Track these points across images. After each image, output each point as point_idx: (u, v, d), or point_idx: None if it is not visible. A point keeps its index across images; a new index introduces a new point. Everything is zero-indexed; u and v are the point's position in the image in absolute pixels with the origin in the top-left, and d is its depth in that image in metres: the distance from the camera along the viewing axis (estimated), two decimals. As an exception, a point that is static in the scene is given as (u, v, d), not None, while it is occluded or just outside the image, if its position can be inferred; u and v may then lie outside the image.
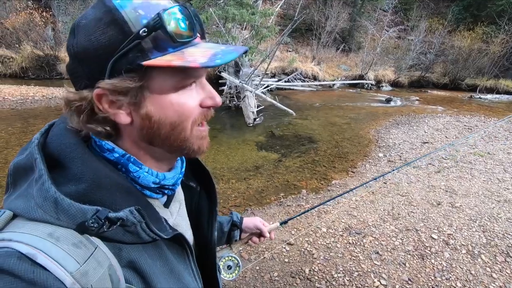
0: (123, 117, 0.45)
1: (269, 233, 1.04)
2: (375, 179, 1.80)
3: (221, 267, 0.92)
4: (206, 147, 0.53)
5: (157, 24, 0.40)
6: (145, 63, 0.41)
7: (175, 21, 0.42)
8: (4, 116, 6.04)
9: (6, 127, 5.38)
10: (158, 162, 0.52)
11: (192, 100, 0.47)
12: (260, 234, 1.02)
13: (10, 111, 6.47)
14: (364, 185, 1.96)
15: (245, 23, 9.15)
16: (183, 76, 0.45)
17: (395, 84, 14.89)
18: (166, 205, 0.57)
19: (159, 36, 0.41)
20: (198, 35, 0.47)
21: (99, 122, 0.45)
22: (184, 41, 0.44)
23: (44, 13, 10.86)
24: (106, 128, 0.45)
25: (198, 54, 0.43)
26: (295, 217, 1.30)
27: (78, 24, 0.42)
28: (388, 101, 10.67)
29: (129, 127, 0.47)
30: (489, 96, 12.56)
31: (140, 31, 0.40)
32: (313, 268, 2.40)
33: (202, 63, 0.41)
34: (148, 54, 0.41)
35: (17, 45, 10.17)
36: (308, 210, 1.41)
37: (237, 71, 9.19)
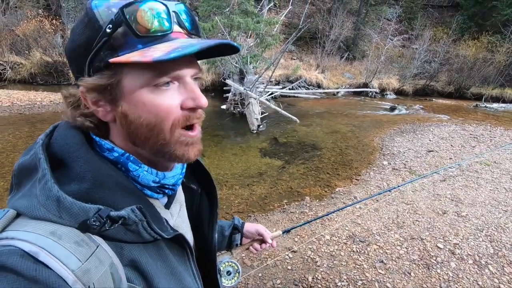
0: (103, 114, 0.46)
1: (271, 240, 1.02)
2: (389, 190, 1.77)
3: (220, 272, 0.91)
4: (195, 155, 0.50)
5: (119, 19, 0.40)
6: (112, 60, 0.41)
7: (144, 16, 0.42)
8: (12, 121, 6.13)
9: (13, 131, 5.46)
10: (152, 161, 0.52)
11: (170, 100, 0.45)
12: (262, 241, 1.00)
13: (18, 115, 6.57)
14: (374, 196, 1.93)
15: (250, 31, 9.27)
16: (154, 74, 0.43)
17: (399, 93, 14.87)
18: (167, 206, 0.57)
19: (126, 32, 0.41)
20: (178, 30, 0.46)
21: (87, 116, 0.47)
22: (153, 36, 0.43)
23: (53, 20, 11.13)
24: (93, 122, 0.47)
25: (161, 49, 0.41)
26: (298, 226, 1.29)
27: (72, 28, 0.46)
28: (392, 109, 10.63)
29: (113, 125, 0.48)
30: (495, 105, 12.44)
31: (106, 28, 0.41)
32: (316, 276, 2.37)
33: (155, 58, 0.39)
34: (118, 51, 0.42)
35: (27, 52, 10.39)
36: (312, 220, 1.39)
37: (241, 78, 9.27)
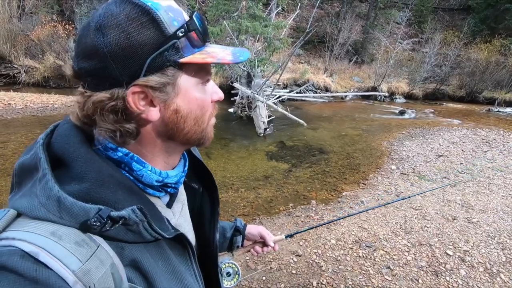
0: (154, 114, 0.46)
1: (274, 244, 1.00)
2: (403, 199, 1.73)
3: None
4: (213, 135, 0.58)
5: (192, 26, 0.45)
6: (182, 60, 0.45)
7: (201, 25, 0.47)
8: (26, 123, 6.30)
9: (26, 133, 5.60)
10: (168, 157, 0.54)
11: (208, 95, 0.52)
12: (263, 244, 0.99)
13: (31, 118, 6.75)
14: (384, 204, 1.88)
15: (258, 35, 9.32)
16: (204, 73, 0.50)
17: (409, 96, 14.66)
18: (169, 205, 0.57)
19: (191, 36, 0.45)
20: None
21: (128, 121, 0.45)
22: (204, 42, 0.49)
23: (67, 25, 11.44)
24: (135, 126, 0.46)
25: (221, 52, 0.49)
26: (302, 231, 1.26)
27: (105, 23, 0.41)
28: (401, 113, 10.49)
29: (154, 123, 0.48)
30: (508, 110, 12.12)
31: (178, 32, 0.44)
32: (321, 281, 2.34)
33: (231, 60, 0.48)
34: (182, 53, 0.45)
35: (40, 56, 10.68)
36: (316, 226, 1.37)
37: (249, 81, 9.31)
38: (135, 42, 0.41)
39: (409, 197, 1.69)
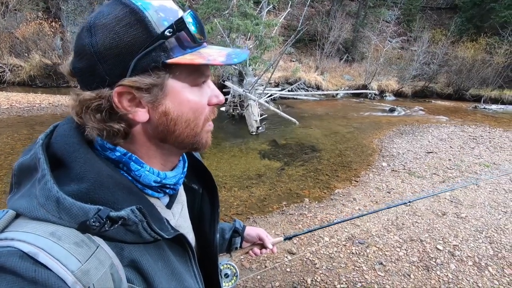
0: (142, 115, 0.45)
1: (272, 246, 1.01)
2: (407, 202, 1.73)
3: None
4: (210, 140, 0.57)
5: (181, 26, 0.43)
6: (169, 61, 0.43)
7: (193, 25, 0.46)
8: (11, 123, 6.13)
9: (12, 134, 5.45)
10: (165, 159, 0.53)
11: (203, 98, 0.51)
12: (262, 246, 1.00)
13: (16, 118, 6.57)
14: (389, 207, 1.88)
15: (249, 34, 9.29)
16: (198, 75, 0.48)
17: (398, 94, 14.91)
18: (168, 206, 0.57)
19: (181, 37, 0.44)
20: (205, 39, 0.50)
21: (116, 121, 0.45)
22: (199, 43, 0.47)
23: (53, 23, 11.15)
24: (123, 126, 0.45)
25: (214, 54, 0.47)
26: (301, 233, 1.26)
27: (95, 23, 0.42)
28: (391, 110, 10.65)
29: (144, 125, 0.48)
30: (493, 107, 12.46)
31: (166, 31, 0.42)
32: (315, 278, 2.36)
33: (222, 61, 0.46)
34: (170, 54, 0.44)
35: (26, 54, 10.40)
36: (316, 229, 1.37)
37: (240, 80, 9.29)
38: (121, 42, 0.41)
39: (421, 198, 1.71)
